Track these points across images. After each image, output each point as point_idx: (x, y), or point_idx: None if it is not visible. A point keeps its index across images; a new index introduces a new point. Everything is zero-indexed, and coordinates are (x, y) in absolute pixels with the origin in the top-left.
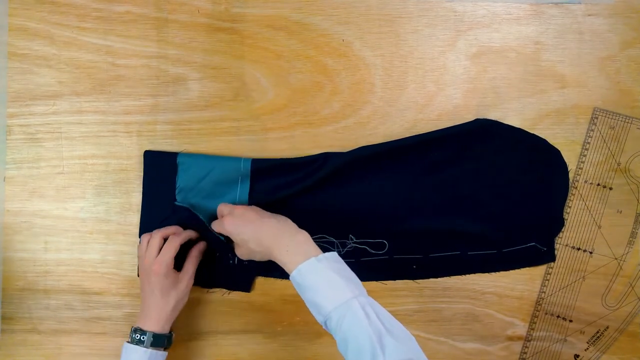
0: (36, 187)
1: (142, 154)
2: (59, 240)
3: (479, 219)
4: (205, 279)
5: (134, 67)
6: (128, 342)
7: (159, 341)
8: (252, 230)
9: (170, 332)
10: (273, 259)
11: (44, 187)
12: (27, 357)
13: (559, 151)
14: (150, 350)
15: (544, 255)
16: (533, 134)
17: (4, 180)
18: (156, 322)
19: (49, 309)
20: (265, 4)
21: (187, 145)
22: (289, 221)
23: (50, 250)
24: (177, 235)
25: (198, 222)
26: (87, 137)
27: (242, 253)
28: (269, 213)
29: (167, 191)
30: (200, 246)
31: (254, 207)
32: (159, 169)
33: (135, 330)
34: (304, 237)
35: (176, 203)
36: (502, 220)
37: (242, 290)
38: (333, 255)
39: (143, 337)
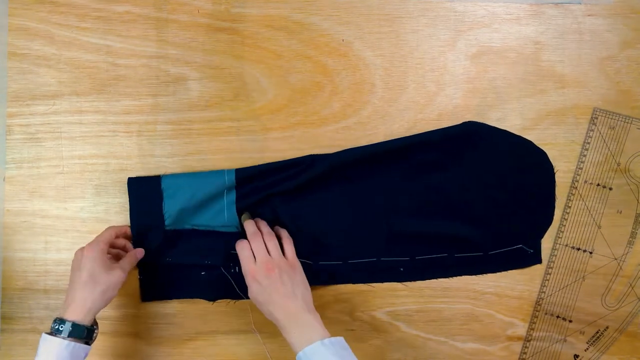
0: (36, 187)
1: (142, 154)
2: (59, 240)
3: (466, 222)
4: (206, 291)
5: (134, 67)
6: (47, 333)
7: (78, 331)
8: (269, 300)
9: (92, 325)
10: (281, 332)
11: (44, 187)
12: (27, 357)
13: (544, 153)
14: (68, 342)
15: (531, 257)
16: (519, 136)
17: (4, 180)
18: (78, 310)
19: (49, 309)
20: (265, 4)
21: (187, 145)
22: (308, 298)
23: (50, 250)
24: (112, 227)
25: (191, 243)
26: (87, 137)
27: (250, 296)
28: (292, 283)
29: (156, 218)
30: (138, 252)
31: (284, 270)
32: (145, 196)
33: (55, 320)
34: (315, 319)
35: (166, 228)
36: (489, 223)
37: (248, 298)
38: (339, 340)
39: (61, 327)
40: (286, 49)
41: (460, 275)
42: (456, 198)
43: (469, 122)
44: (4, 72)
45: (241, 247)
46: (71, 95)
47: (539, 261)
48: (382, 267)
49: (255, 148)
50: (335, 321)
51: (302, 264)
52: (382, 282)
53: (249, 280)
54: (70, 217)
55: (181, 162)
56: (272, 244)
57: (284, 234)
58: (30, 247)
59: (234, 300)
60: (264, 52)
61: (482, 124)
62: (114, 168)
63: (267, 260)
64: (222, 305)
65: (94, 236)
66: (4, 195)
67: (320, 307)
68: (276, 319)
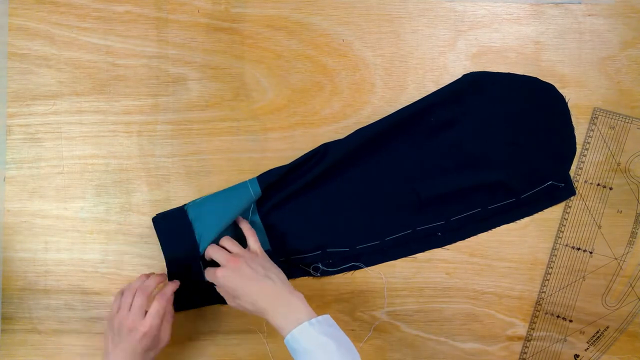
0: (36, 187)
1: (142, 154)
2: (59, 240)
3: (492, 171)
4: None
5: (134, 67)
6: None
7: None
8: (247, 290)
9: None
10: (267, 320)
11: (44, 187)
12: (27, 357)
13: (552, 85)
14: None
15: (563, 190)
16: (523, 75)
17: (4, 180)
18: None
19: (49, 309)
20: (265, 4)
21: (187, 145)
22: (285, 280)
23: (50, 250)
24: (163, 295)
25: None
26: (87, 137)
27: (232, 305)
28: (263, 268)
29: (190, 251)
30: (171, 299)
31: (250, 258)
32: (174, 232)
33: None
34: (298, 299)
35: (201, 253)
36: (514, 166)
37: None
38: (326, 318)
39: None
40: (286, 49)
41: (499, 225)
42: (476, 149)
43: (468, 73)
44: (4, 72)
45: (206, 273)
46: (71, 95)
47: (573, 193)
48: (419, 236)
49: (255, 148)
50: (335, 321)
51: (339, 253)
52: (422, 251)
53: (220, 283)
54: (70, 217)
55: (181, 162)
56: (230, 243)
57: (244, 225)
58: (30, 247)
59: None
60: (264, 52)
61: (482, 72)
62: (114, 168)
63: (230, 256)
64: (222, 305)
65: (94, 236)
66: (4, 195)
67: (321, 307)
68: (259, 306)
